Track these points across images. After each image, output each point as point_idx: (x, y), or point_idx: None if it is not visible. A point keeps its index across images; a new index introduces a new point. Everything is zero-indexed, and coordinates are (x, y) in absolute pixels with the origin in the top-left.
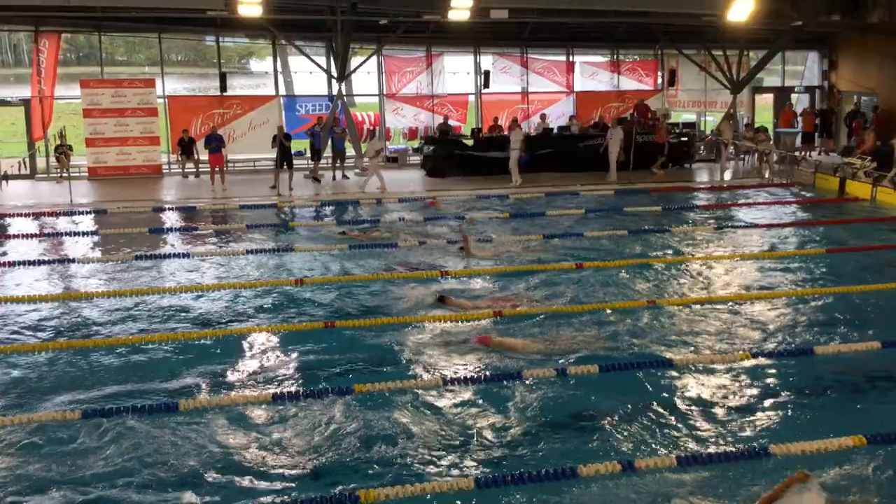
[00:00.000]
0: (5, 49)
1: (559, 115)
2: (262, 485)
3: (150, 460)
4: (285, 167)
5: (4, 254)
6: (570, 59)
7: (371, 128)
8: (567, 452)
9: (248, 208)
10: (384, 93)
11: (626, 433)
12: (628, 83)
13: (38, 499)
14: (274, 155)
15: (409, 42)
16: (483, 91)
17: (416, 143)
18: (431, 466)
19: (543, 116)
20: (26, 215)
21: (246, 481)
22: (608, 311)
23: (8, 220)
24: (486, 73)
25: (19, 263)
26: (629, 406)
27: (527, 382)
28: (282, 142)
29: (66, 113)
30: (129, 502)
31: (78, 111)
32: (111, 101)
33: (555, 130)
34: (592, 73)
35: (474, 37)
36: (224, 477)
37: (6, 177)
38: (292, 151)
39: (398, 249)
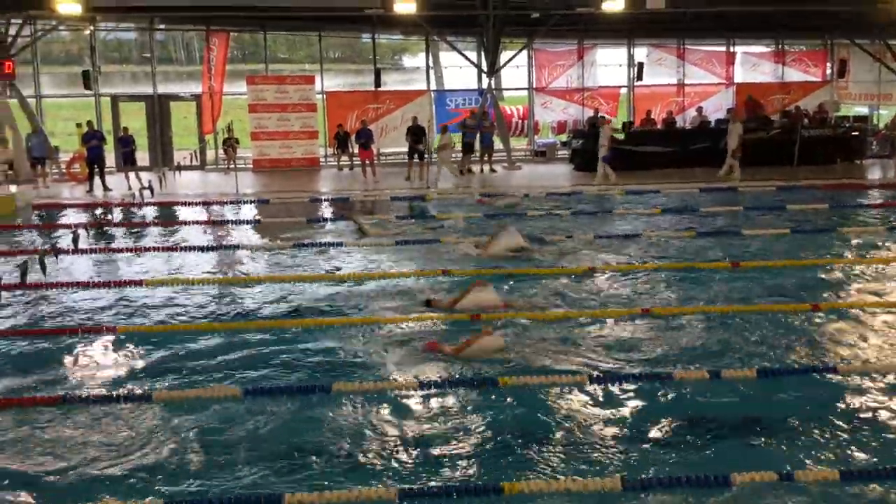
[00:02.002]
0: (178, 48)
1: (717, 107)
2: (407, 469)
3: (298, 438)
4: (416, 159)
5: (176, 239)
6: (731, 49)
7: (443, 124)
8: (719, 458)
9: (397, 200)
10: (533, 86)
11: (783, 442)
12: (794, 74)
13: (191, 469)
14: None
15: (560, 35)
16: (636, 84)
17: (564, 137)
18: (577, 464)
19: (700, 110)
20: (196, 204)
21: (390, 465)
22: (766, 314)
23: (180, 208)
24: (640, 65)
25: (189, 248)
26: (788, 414)
27: (676, 383)
28: (414, 135)
29: (233, 108)
30: (288, 475)
31: (244, 106)
32: (274, 96)
33: (712, 124)
34: (754, 64)
35: (628, 28)
36: (366, 459)
37: (179, 167)
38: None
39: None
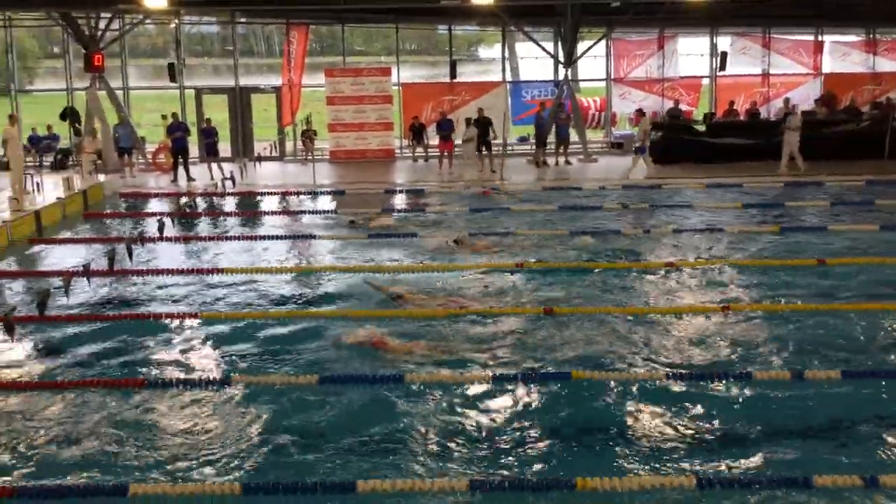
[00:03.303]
0: (259, 41)
1: (804, 98)
2: (479, 461)
3: (371, 427)
4: (483, 150)
5: (257, 228)
6: (819, 38)
7: (468, 118)
8: (801, 460)
9: (469, 190)
10: (612, 77)
11: (868, 446)
12: (885, 64)
13: (270, 455)
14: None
15: (640, 24)
16: (718, 74)
17: None
18: (651, 461)
19: (787, 101)
20: (275, 194)
21: (463, 456)
22: (853, 313)
23: (260, 197)
24: (723, 55)
25: (269, 237)
26: (875, 417)
27: (757, 383)
28: (474, 126)
29: (311, 100)
30: (357, 461)
31: (321, 98)
32: (351, 88)
33: None
34: (844, 53)
35: (711, 16)
36: (438, 450)
37: (259, 158)
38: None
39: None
